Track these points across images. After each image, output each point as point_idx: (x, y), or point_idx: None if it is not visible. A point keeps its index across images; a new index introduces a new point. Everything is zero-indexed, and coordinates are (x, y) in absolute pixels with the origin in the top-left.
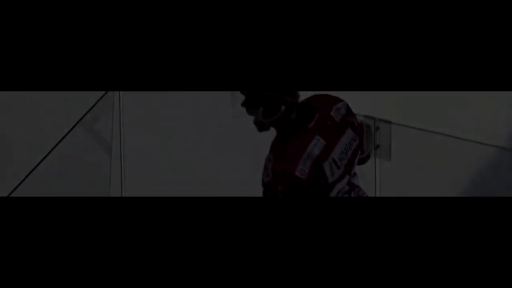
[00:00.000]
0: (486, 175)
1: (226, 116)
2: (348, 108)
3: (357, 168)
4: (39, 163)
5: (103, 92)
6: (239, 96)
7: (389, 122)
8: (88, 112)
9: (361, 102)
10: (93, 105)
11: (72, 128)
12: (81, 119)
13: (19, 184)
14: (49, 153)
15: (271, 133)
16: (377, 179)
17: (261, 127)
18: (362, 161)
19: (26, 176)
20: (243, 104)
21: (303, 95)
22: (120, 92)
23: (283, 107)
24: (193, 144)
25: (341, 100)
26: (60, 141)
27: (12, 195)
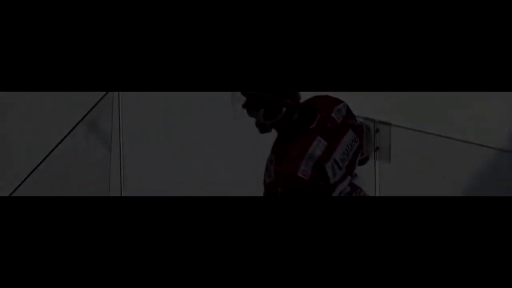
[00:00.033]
0: (486, 176)
1: (226, 116)
2: (348, 109)
3: (357, 170)
4: (40, 163)
5: (104, 92)
6: (240, 97)
7: (389, 124)
8: (88, 112)
9: (361, 104)
10: (94, 106)
11: (72, 129)
12: (81, 119)
13: (20, 184)
14: (49, 153)
15: (272, 133)
16: (376, 181)
17: (263, 129)
18: (361, 162)
19: (27, 176)
20: (243, 106)
21: (304, 96)
22: (120, 92)
23: (284, 109)
24: (193, 144)
25: (342, 102)
26: (61, 141)
27: (13, 195)
